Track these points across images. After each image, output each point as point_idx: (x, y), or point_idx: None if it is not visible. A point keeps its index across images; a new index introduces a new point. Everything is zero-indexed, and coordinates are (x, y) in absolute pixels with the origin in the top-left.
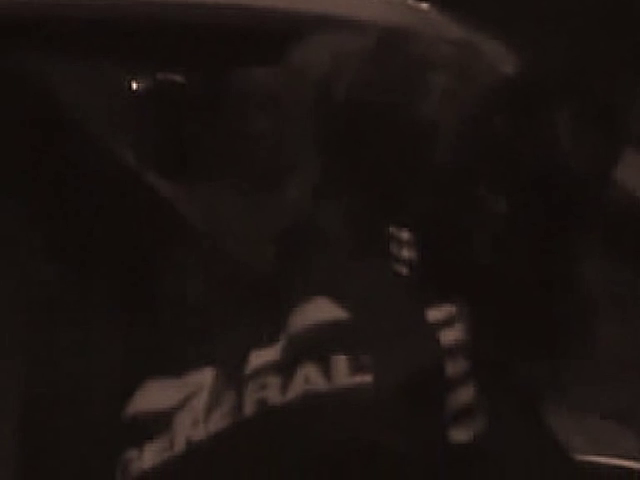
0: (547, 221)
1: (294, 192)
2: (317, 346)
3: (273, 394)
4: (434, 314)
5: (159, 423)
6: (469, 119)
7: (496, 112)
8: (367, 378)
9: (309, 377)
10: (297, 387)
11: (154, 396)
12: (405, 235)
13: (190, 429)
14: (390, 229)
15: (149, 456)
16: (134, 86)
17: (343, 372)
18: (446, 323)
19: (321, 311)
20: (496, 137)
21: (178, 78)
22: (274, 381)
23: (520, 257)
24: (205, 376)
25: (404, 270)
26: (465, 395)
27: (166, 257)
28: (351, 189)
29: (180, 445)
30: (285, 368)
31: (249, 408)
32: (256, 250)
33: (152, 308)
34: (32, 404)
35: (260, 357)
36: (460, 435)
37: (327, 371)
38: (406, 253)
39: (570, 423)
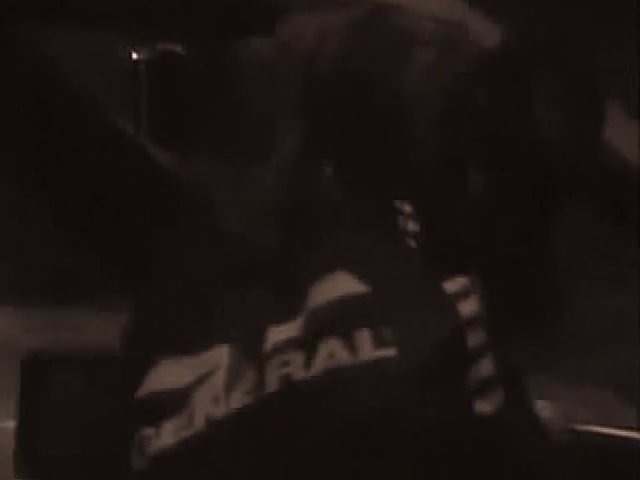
0: (530, 192)
1: (286, 163)
2: (339, 321)
3: (296, 370)
4: (450, 286)
5: (176, 401)
6: (451, 92)
7: (478, 85)
8: (391, 352)
9: (333, 352)
10: (321, 362)
11: (169, 374)
12: (408, 208)
13: (210, 406)
14: (394, 202)
15: (167, 434)
16: (134, 56)
17: (367, 346)
18: (462, 295)
19: (341, 286)
20: (478, 109)
21: (178, 48)
22: (297, 357)
23: (504, 228)
24: (222, 354)
25: (412, 243)
26: (486, 367)
27: (169, 230)
28: (342, 159)
29: (200, 422)
30: (307, 344)
31: (272, 384)
32: (260, 225)
33: (160, 284)
34: (44, 379)
35: (279, 333)
36: (484, 406)
37: (351, 346)
38: (412, 226)
39: (571, 395)
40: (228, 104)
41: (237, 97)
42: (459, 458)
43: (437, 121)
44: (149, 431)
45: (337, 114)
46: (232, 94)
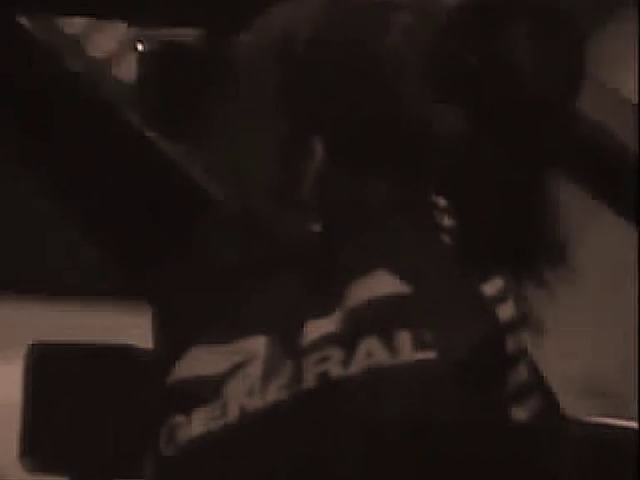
0: (513, 144)
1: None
2: (380, 320)
3: (334, 367)
4: (488, 289)
5: (208, 390)
6: (430, 49)
7: (454, 38)
8: (430, 354)
9: (372, 351)
10: (360, 361)
11: (202, 362)
12: (442, 202)
13: (244, 398)
14: (430, 196)
15: (198, 422)
16: (139, 46)
17: (407, 347)
18: (500, 298)
19: (383, 285)
20: (457, 64)
21: (183, 38)
22: (335, 354)
23: (487, 182)
24: (258, 344)
25: (447, 239)
26: (523, 372)
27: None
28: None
29: (233, 413)
30: (346, 341)
31: (310, 380)
32: (298, 217)
33: (194, 270)
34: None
35: (317, 328)
36: (520, 413)
37: (391, 346)
38: (447, 221)
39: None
40: (233, 94)
41: (235, 88)
42: (494, 464)
43: (418, 78)
44: (179, 418)
45: (321, 95)
46: (235, 83)
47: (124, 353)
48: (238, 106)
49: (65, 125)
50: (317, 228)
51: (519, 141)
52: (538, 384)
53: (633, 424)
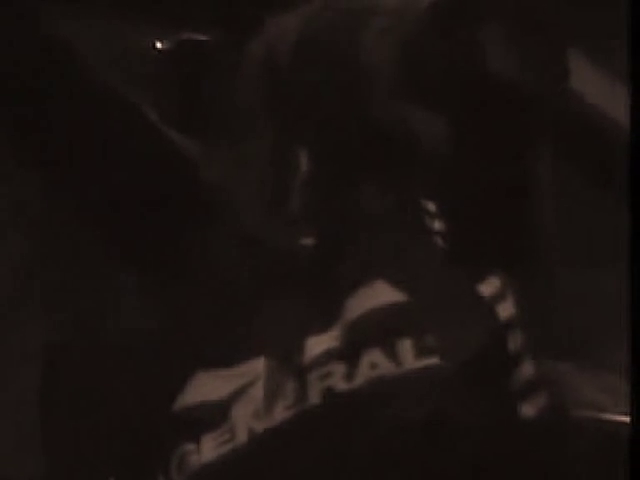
0: (498, 138)
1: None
2: (380, 331)
3: (338, 382)
4: (485, 289)
5: (215, 415)
6: (406, 48)
7: (430, 37)
8: (434, 360)
9: (375, 363)
10: (364, 373)
11: (206, 387)
12: (432, 206)
13: (251, 420)
14: (420, 201)
15: (209, 448)
16: (158, 45)
17: (410, 355)
18: (499, 297)
19: (380, 295)
20: (434, 67)
21: (201, 37)
22: (338, 368)
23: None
24: (258, 366)
25: (440, 242)
26: (527, 370)
27: (195, 228)
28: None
29: (242, 436)
30: (347, 355)
31: (314, 397)
32: (291, 233)
33: (192, 294)
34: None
35: (318, 344)
36: (528, 410)
37: (394, 355)
38: (437, 225)
39: (595, 382)
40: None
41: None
42: (505, 462)
43: (396, 78)
44: (189, 446)
45: (303, 106)
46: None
47: None
48: (234, 115)
49: (83, 120)
50: (310, 242)
51: (502, 141)
52: (545, 381)
53: (625, 419)
